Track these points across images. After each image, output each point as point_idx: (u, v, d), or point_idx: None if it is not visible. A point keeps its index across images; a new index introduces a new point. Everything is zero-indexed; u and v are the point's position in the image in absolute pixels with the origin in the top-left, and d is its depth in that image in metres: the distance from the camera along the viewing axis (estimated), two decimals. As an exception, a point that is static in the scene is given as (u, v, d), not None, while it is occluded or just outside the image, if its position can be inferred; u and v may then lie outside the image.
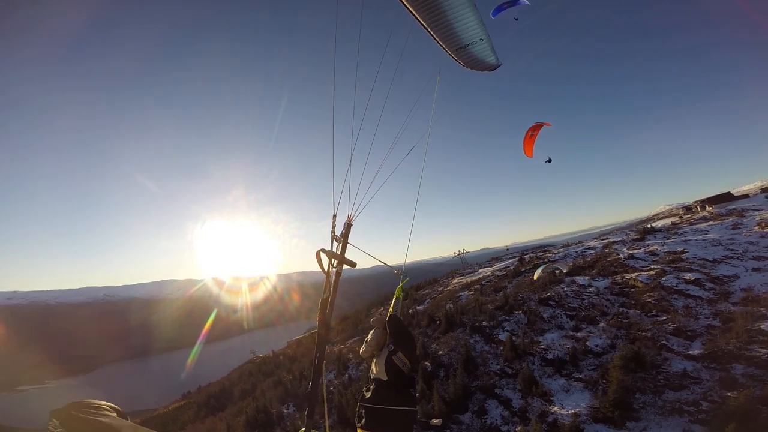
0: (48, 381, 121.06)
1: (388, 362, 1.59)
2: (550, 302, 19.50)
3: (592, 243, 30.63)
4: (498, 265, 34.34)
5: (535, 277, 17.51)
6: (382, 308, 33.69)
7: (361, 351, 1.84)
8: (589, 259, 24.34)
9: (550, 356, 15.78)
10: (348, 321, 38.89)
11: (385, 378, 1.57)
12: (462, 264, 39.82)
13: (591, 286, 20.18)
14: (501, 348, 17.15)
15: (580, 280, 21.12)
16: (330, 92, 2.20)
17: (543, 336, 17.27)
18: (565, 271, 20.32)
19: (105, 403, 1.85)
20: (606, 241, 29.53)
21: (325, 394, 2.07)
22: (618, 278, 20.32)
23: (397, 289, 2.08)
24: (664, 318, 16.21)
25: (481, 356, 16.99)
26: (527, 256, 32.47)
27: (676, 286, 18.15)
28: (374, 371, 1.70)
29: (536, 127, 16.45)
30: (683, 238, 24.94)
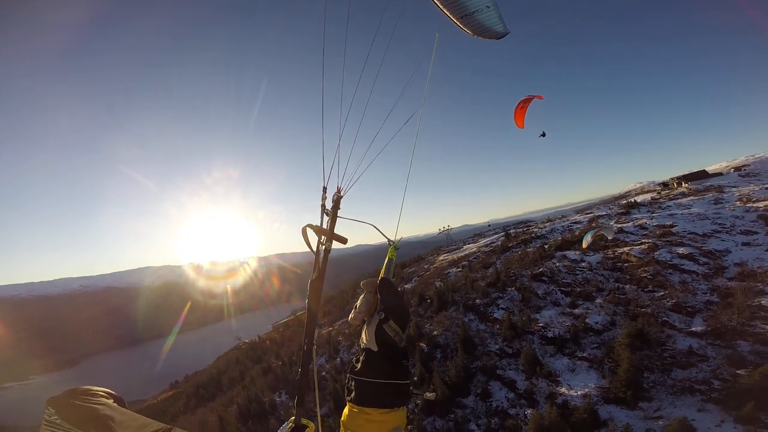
0: (32, 376, 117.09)
1: (379, 331, 1.43)
2: (543, 278, 19.32)
3: (577, 217, 30.72)
4: (483, 241, 34.20)
5: (584, 245, 17.15)
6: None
7: (349, 318, 1.67)
8: (576, 233, 24.28)
9: (549, 334, 15.56)
10: (333, 302, 38.35)
11: (375, 348, 1.42)
12: (447, 240, 39.55)
13: (583, 261, 20.07)
14: (498, 327, 16.88)
15: (571, 255, 20.98)
16: (318, 58, 1.95)
17: (540, 313, 17.07)
18: (609, 237, 19.69)
19: (102, 389, 1.86)
20: (591, 215, 29.62)
21: (316, 381, 1.90)
22: (610, 252, 20.25)
23: (390, 249, 1.86)
24: (662, 293, 16.17)
25: (478, 335, 16.70)
26: (512, 231, 32.33)
27: (670, 261, 18.14)
28: (364, 340, 1.53)
29: (527, 100, 15.97)
30: (669, 212, 25.18)
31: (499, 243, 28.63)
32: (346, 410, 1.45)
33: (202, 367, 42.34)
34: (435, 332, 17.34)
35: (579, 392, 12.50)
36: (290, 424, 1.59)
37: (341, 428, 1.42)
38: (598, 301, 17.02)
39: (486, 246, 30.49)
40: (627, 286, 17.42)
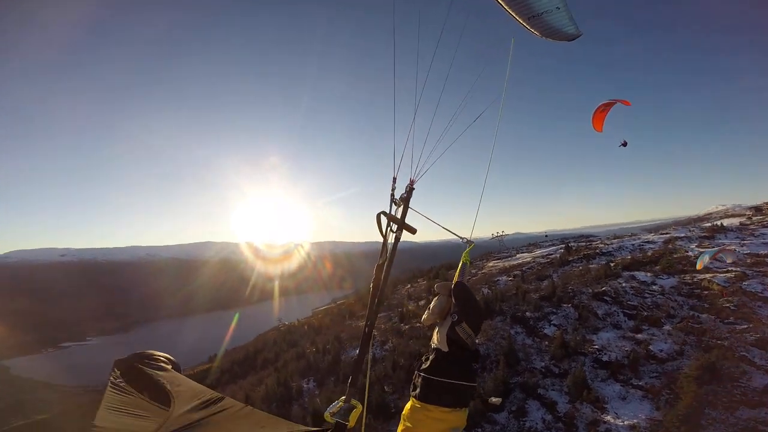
0: (89, 338, 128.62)
1: (451, 332, 1.35)
2: (605, 298, 17.41)
3: (650, 237, 27.71)
4: (538, 252, 32.00)
5: (699, 266, 15.58)
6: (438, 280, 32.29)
7: (423, 318, 1.57)
8: (649, 253, 21.76)
9: (604, 358, 14.07)
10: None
11: (445, 349, 1.34)
12: (499, 247, 37.36)
13: (655, 283, 17.80)
14: (546, 343, 15.47)
15: (641, 276, 18.74)
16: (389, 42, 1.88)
17: (596, 335, 15.39)
18: (729, 261, 17.46)
19: (162, 354, 2.20)
20: (667, 236, 26.55)
21: (369, 364, 1.84)
22: (687, 278, 17.80)
23: (464, 254, 1.71)
24: (745, 326, 14.11)
25: (523, 350, 15.35)
26: (573, 244, 29.91)
27: (762, 293, 15.69)
28: (435, 341, 1.43)
29: (610, 104, 14.70)
30: (763, 240, 21.83)
31: (558, 255, 26.53)
32: (408, 405, 1.40)
33: (241, 344, 43.87)
34: (477, 341, 16.19)
35: (626, 422, 11.11)
36: (340, 403, 1.61)
37: (401, 421, 1.37)
38: (667, 328, 15.13)
39: (542, 257, 28.44)
40: (704, 316, 15.28)
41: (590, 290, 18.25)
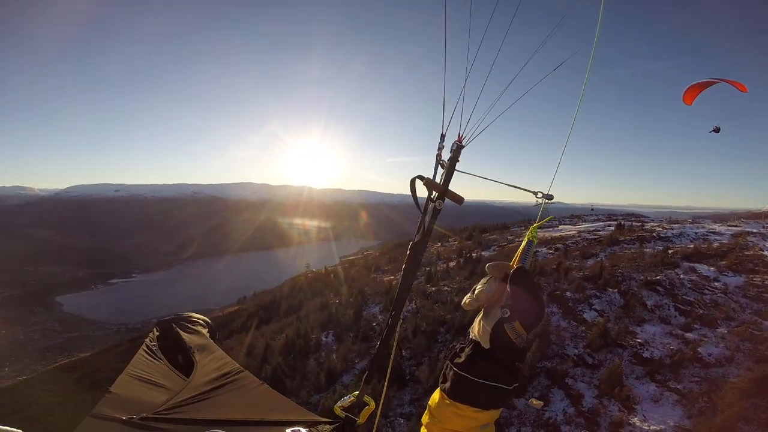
0: (134, 274, 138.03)
1: (497, 329, 1.09)
2: (658, 288, 15.67)
3: (716, 227, 24.64)
4: (583, 226, 29.62)
5: None
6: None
7: (463, 302, 1.25)
8: (715, 246, 19.23)
9: (645, 354, 12.75)
10: (402, 250, 37.16)
11: (486, 346, 1.12)
12: (542, 215, 34.84)
13: (718, 280, 15.69)
14: (584, 329, 14.28)
15: (704, 269, 16.57)
16: None
17: (641, 327, 13.95)
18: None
19: (201, 317, 2.35)
20: (737, 229, 23.49)
21: (392, 361, 1.65)
22: (758, 279, 15.55)
23: (531, 229, 1.30)
24: None
25: (556, 332, 14.28)
26: (625, 223, 27.32)
27: None
28: (475, 331, 1.19)
29: (709, 83, 12.60)
30: None
31: (607, 233, 24.33)
32: (436, 396, 1.21)
33: (271, 287, 45.49)
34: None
35: (652, 427, 10.06)
36: (352, 398, 1.53)
37: (426, 412, 1.23)
38: (722, 330, 13.39)
39: (588, 232, 26.26)
40: (767, 323, 13.38)
41: (642, 277, 16.52)
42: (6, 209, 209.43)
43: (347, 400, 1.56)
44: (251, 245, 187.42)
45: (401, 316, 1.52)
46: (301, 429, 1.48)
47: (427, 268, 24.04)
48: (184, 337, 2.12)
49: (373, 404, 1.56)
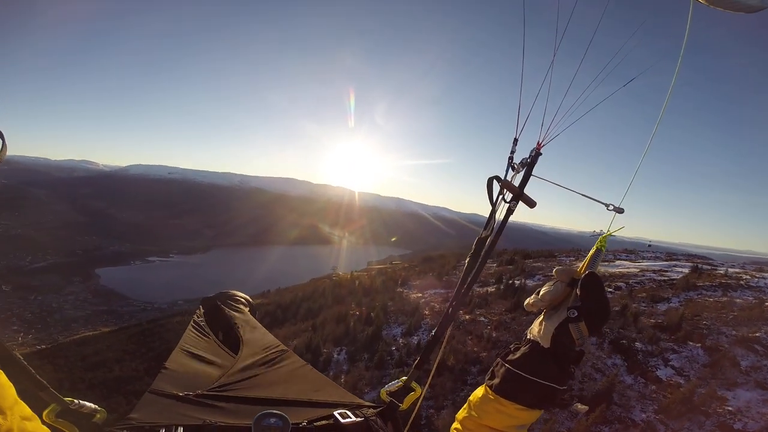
0: (172, 254, 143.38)
1: (561, 329, 1.09)
2: (756, 346, 12.25)
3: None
4: (644, 263, 25.71)
5: None
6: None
7: (526, 303, 1.22)
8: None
9: (737, 425, 9.67)
10: (432, 264, 34.44)
11: (546, 345, 1.11)
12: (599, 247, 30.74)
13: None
14: (655, 388, 11.22)
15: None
16: None
17: (732, 392, 10.74)
18: None
19: (243, 295, 2.45)
20: None
21: (443, 346, 1.61)
22: None
23: (601, 238, 1.21)
24: None
25: (620, 391, 11.24)
26: (700, 266, 23.21)
27: None
28: (534, 332, 1.18)
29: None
30: None
31: (679, 276, 20.56)
32: (479, 392, 1.22)
33: (295, 284, 44.37)
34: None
35: None
36: (399, 383, 1.53)
37: (464, 407, 1.24)
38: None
39: (653, 272, 22.47)
40: None
41: (734, 332, 13.07)
42: (72, 180, 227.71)
43: (395, 384, 1.54)
44: (285, 239, 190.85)
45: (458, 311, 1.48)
46: (348, 411, 1.47)
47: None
48: (228, 313, 2.20)
49: (419, 390, 1.53)
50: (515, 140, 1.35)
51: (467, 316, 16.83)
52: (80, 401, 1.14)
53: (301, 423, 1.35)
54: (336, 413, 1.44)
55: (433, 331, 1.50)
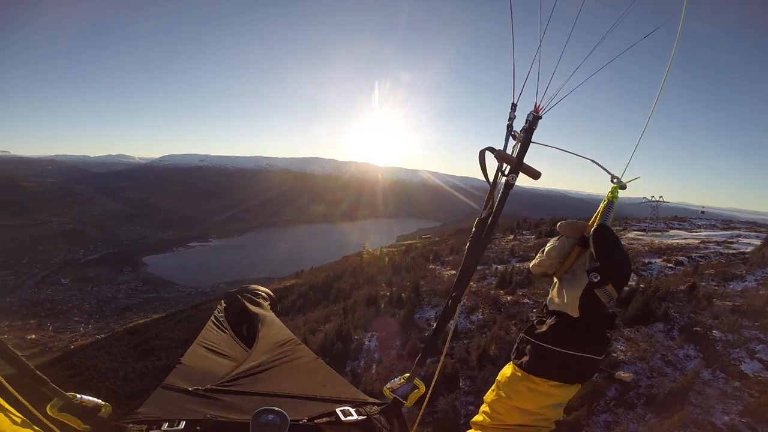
0: (211, 239, 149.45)
1: (587, 296, 0.98)
2: None
3: None
4: (703, 233, 23.03)
5: None
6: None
7: (532, 264, 1.13)
8: None
9: None
10: (465, 237, 32.72)
11: (575, 314, 1.01)
12: (652, 214, 27.80)
13: None
14: (738, 385, 9.51)
15: None
16: None
17: None
18: None
19: (263, 289, 2.52)
20: None
21: (447, 343, 1.61)
22: None
23: (612, 188, 1.06)
24: None
25: (697, 390, 9.62)
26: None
27: None
28: (556, 301, 1.07)
29: None
30: None
31: (748, 249, 18.08)
32: (507, 371, 1.14)
33: (327, 263, 44.37)
34: (621, 356, 10.79)
35: None
36: (402, 380, 1.47)
37: (492, 389, 1.16)
38: None
39: (717, 243, 19.93)
40: None
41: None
42: (111, 174, 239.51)
43: (397, 381, 1.48)
44: (315, 218, 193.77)
45: (461, 299, 1.36)
46: (350, 408, 1.46)
47: (500, 266, 19.74)
48: (248, 308, 2.27)
49: (423, 388, 1.47)
50: (513, 105, 1.23)
51: (509, 298, 15.43)
52: (82, 396, 1.16)
53: (301, 419, 1.35)
54: (338, 410, 1.43)
55: (434, 325, 1.42)
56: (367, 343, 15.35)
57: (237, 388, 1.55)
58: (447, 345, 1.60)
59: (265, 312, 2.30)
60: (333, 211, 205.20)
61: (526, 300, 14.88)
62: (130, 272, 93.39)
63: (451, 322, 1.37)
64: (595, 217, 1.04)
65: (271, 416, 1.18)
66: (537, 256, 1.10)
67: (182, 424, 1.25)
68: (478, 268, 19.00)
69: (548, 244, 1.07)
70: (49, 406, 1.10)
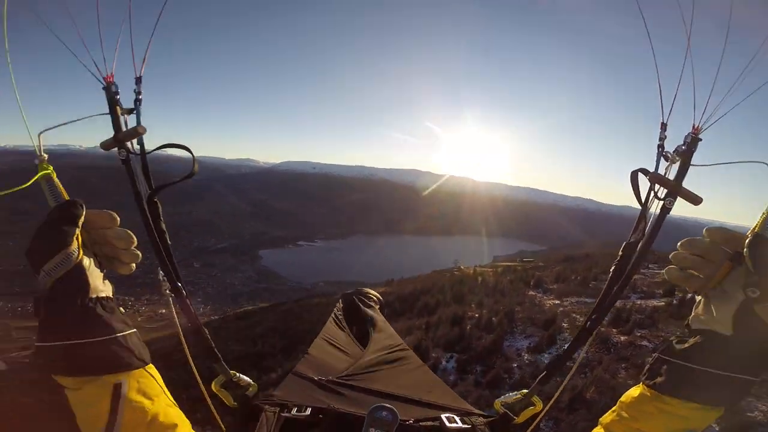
0: (317, 240, 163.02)
1: (745, 312, 0.89)
2: None
3: None
4: None
5: None
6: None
7: (667, 270, 1.03)
8: None
9: None
10: (575, 266, 29.43)
11: (728, 332, 0.91)
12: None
13: None
14: None
15: None
16: None
17: None
18: None
19: (375, 294, 2.68)
20: None
21: (576, 366, 1.44)
22: None
23: None
24: None
25: None
26: None
27: None
28: (702, 318, 0.98)
29: None
30: None
31: None
32: (634, 391, 1.06)
33: (417, 275, 44.17)
34: (757, 415, 8.34)
35: None
36: (518, 396, 1.41)
37: (612, 411, 1.10)
38: None
39: None
40: None
41: None
42: (239, 176, 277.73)
43: (512, 396, 1.43)
44: (411, 229, 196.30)
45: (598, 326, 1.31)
46: (455, 416, 1.47)
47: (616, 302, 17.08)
48: (362, 309, 2.45)
49: (540, 406, 1.39)
50: (663, 125, 1.20)
51: (622, 338, 13.01)
52: (241, 375, 1.33)
53: (408, 420, 1.38)
54: (443, 416, 1.46)
55: (566, 346, 1.34)
56: (444, 363, 14.46)
57: (354, 383, 1.67)
58: (575, 368, 1.46)
59: (377, 315, 2.46)
60: (428, 224, 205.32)
61: (644, 343, 12.37)
62: (248, 263, 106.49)
63: (582, 348, 1.30)
64: (754, 228, 0.92)
65: (384, 413, 1.23)
66: (677, 260, 0.97)
67: (308, 410, 1.37)
68: (588, 300, 16.44)
69: (686, 251, 0.96)
70: (214, 382, 1.28)
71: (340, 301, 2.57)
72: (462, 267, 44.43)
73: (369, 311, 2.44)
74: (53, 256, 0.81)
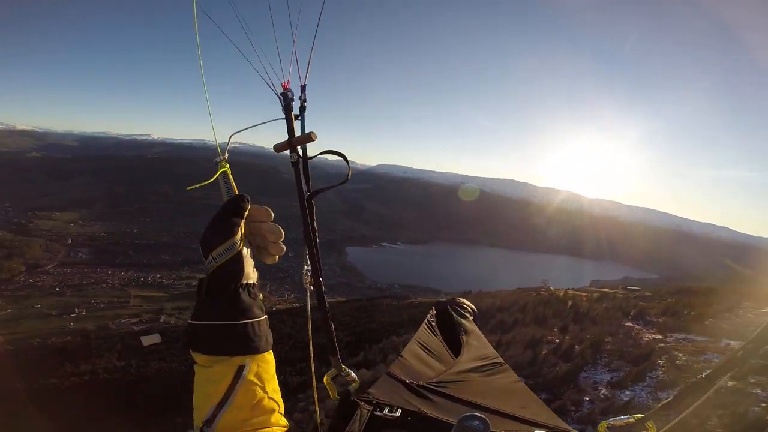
0: (399, 242, 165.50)
1: None
2: None
3: None
4: None
5: None
6: None
7: None
8: None
9: None
10: (692, 300, 25.20)
11: None
12: None
13: None
14: None
15: None
16: None
17: None
18: None
19: (469, 304, 2.65)
20: None
21: (707, 395, 1.28)
22: None
23: None
24: None
25: None
26: None
27: None
28: None
29: None
30: None
31: None
32: None
33: (499, 289, 42.35)
34: None
35: None
36: (632, 419, 1.30)
37: None
38: None
39: None
40: None
41: None
42: (338, 175, 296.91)
43: (623, 420, 1.32)
44: (501, 242, 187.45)
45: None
46: None
47: (731, 343, 14.11)
48: (455, 318, 2.43)
49: (654, 430, 1.30)
50: None
51: (730, 383, 10.85)
52: (348, 370, 1.38)
53: None
54: None
55: (705, 374, 1.27)
56: (515, 388, 13.55)
57: (444, 390, 1.68)
58: (705, 397, 1.33)
59: (471, 325, 2.45)
60: (520, 238, 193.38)
61: (757, 390, 10.19)
62: (335, 257, 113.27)
63: (720, 380, 1.22)
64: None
65: (476, 422, 1.21)
66: None
67: (398, 412, 1.40)
68: (698, 339, 14.03)
69: None
70: (327, 375, 1.32)
71: (433, 308, 2.58)
72: (551, 288, 41.20)
73: (463, 321, 2.44)
74: (222, 243, 0.90)
